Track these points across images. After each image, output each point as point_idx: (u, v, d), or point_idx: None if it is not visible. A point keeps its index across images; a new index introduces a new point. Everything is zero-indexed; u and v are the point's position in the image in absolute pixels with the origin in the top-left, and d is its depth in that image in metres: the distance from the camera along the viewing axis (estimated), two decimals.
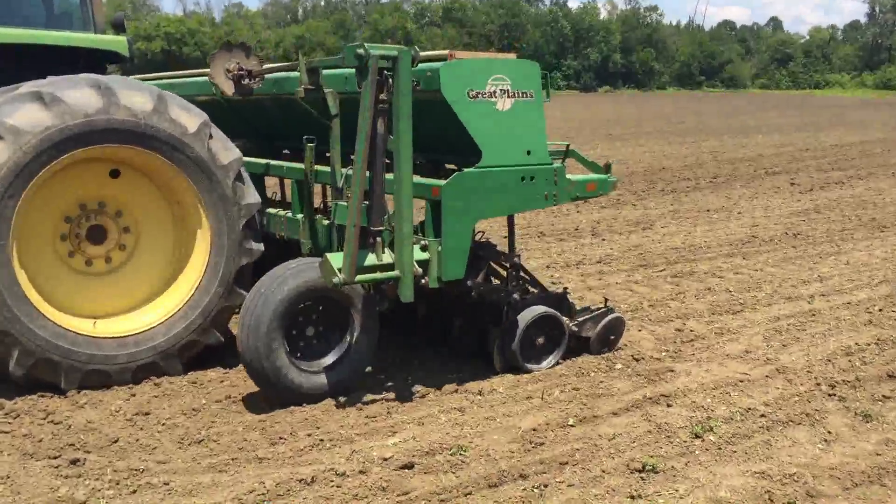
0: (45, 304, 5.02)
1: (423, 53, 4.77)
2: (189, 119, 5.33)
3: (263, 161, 6.45)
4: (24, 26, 6.08)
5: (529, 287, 5.85)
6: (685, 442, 4.41)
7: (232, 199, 5.45)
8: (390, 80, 4.64)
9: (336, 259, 4.71)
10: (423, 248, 4.93)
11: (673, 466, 4.12)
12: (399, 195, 4.75)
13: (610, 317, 5.82)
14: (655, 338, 6.26)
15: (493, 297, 5.45)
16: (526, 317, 5.41)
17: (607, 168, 5.75)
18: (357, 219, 4.67)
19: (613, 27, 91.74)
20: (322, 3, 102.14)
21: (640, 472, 4.05)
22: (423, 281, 4.91)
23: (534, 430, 4.53)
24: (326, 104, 5.21)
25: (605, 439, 4.43)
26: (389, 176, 4.83)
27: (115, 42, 6.41)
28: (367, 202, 4.79)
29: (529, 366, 5.45)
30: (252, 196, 5.60)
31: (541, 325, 5.48)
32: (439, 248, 4.90)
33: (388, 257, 4.82)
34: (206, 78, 6.05)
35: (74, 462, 4.12)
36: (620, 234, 10.64)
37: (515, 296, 5.49)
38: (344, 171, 5.33)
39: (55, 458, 4.20)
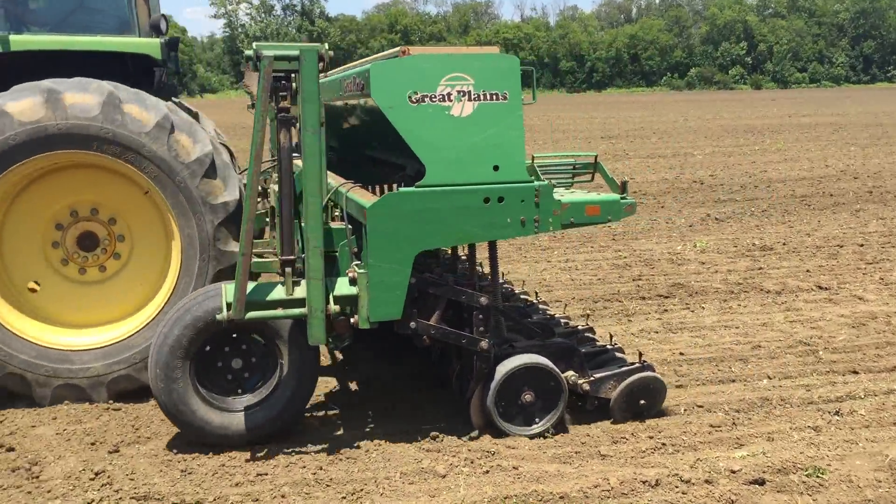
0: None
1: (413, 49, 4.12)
2: (144, 116, 4.98)
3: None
4: (74, 32, 5.80)
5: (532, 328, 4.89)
6: None
7: (200, 198, 5.03)
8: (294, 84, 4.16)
9: (230, 291, 4.20)
10: (352, 282, 4.28)
11: None
12: (307, 220, 4.21)
13: (637, 376, 4.69)
14: None
15: (461, 342, 4.53)
16: (504, 368, 4.47)
17: (623, 187, 4.59)
18: (248, 247, 4.15)
19: None
20: (657, 1, 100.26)
21: None
22: (352, 320, 4.25)
23: None
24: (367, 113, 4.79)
25: None
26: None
27: (144, 45, 5.81)
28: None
29: (512, 428, 4.51)
30: (229, 194, 5.13)
31: (526, 378, 4.50)
32: (367, 282, 4.17)
33: (301, 291, 4.25)
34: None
35: (434, 438, 4.50)
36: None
37: (483, 343, 4.49)
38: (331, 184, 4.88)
39: (416, 433, 4.61)
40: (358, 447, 4.40)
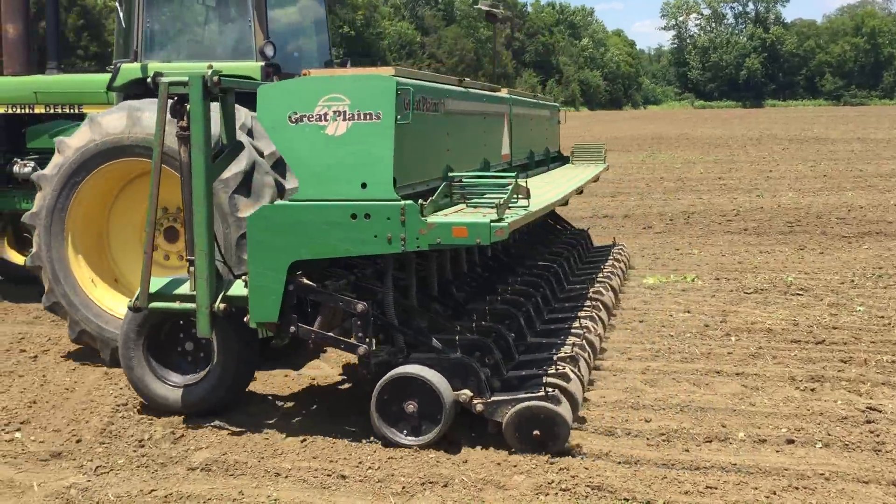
0: None
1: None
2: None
3: None
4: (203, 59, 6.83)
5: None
6: None
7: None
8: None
9: (152, 283, 4.94)
10: (246, 285, 4.62)
11: None
12: (194, 227, 4.75)
13: (527, 405, 4.41)
14: None
15: (339, 347, 4.77)
16: (385, 376, 4.56)
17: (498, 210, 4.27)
18: (150, 246, 4.91)
19: None
20: None
21: None
22: (245, 319, 4.65)
23: None
24: None
25: None
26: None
27: (245, 68, 6.75)
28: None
29: (396, 437, 4.54)
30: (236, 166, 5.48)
31: (410, 389, 4.51)
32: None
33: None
34: None
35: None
36: None
37: (361, 349, 4.57)
38: None
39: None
40: (807, 477, 4.16)
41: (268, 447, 4.60)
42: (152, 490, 4.09)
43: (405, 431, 4.58)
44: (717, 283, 8.72)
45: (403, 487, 4.09)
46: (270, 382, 5.83)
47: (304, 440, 4.67)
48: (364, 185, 4.31)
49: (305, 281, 4.65)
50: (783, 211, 13.79)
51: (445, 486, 4.11)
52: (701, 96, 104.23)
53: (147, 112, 5.91)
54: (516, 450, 4.46)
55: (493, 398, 4.56)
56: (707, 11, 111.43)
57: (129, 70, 7.08)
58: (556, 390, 4.56)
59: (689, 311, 7.52)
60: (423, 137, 4.88)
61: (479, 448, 4.55)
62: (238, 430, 4.84)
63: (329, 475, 4.22)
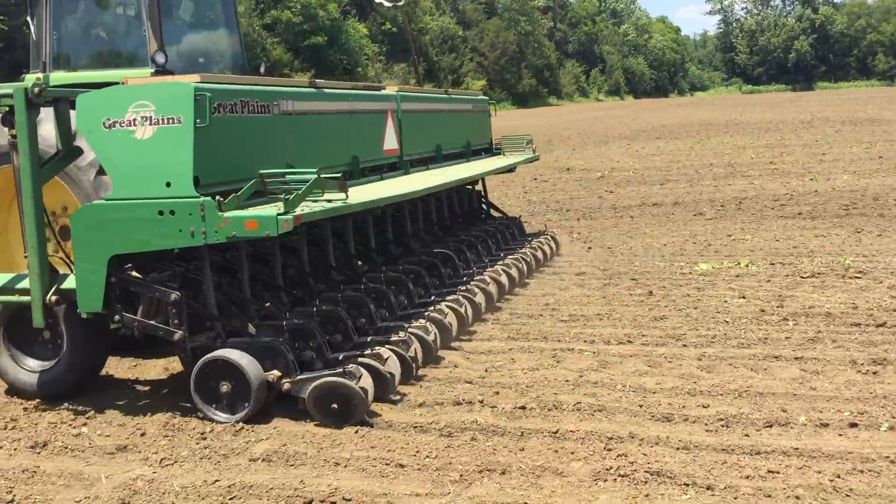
0: None
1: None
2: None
3: None
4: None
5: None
6: None
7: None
8: None
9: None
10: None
11: None
12: (26, 226, 5.10)
13: (324, 381, 4.80)
14: None
15: (158, 334, 5.09)
16: (200, 360, 4.96)
17: (289, 203, 4.73)
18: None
19: None
20: None
21: None
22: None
23: None
24: None
25: None
26: None
27: (138, 75, 6.66)
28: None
29: (214, 414, 4.97)
30: None
31: (223, 371, 4.91)
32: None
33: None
34: None
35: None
36: None
37: (177, 335, 4.97)
38: None
39: None
40: (872, 460, 4.07)
41: (326, 438, 4.65)
42: (216, 480, 4.17)
43: (221, 409, 4.98)
44: (772, 268, 8.57)
45: (461, 475, 4.11)
46: None
47: (359, 431, 4.72)
48: (168, 184, 4.70)
49: (128, 274, 5.16)
50: (838, 194, 13.48)
51: (503, 473, 4.12)
52: (749, 81, 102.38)
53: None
54: (319, 422, 4.83)
55: (298, 377, 4.93)
56: None
57: (32, 80, 7.41)
58: (355, 367, 4.95)
59: (744, 297, 7.41)
60: (234, 138, 5.14)
61: (536, 436, 4.55)
62: (295, 422, 4.92)
63: (387, 464, 4.26)
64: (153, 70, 7.06)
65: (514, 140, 10.73)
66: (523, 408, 4.95)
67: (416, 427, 4.75)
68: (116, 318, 5.07)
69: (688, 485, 3.92)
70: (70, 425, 5.04)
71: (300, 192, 4.82)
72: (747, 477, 3.97)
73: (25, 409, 5.42)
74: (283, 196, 4.79)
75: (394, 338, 5.64)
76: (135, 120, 4.72)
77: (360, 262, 7.26)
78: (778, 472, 3.99)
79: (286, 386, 4.92)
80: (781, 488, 3.84)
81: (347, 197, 5.18)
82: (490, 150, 10.51)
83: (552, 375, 5.53)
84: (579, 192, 15.76)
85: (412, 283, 6.81)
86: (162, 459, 4.47)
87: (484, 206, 10.44)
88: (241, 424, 4.87)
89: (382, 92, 7.58)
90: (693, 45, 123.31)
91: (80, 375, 5.56)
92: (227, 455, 4.49)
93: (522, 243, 9.35)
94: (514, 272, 8.04)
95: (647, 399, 5.03)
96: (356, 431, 4.71)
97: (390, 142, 7.48)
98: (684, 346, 6.11)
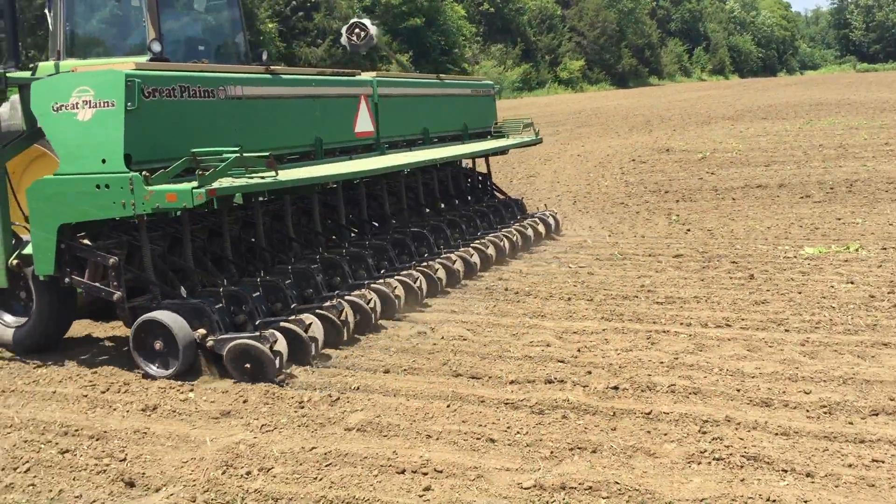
0: None
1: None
2: None
3: None
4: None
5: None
6: None
7: None
8: None
9: None
10: None
11: None
12: None
13: (237, 343, 5.31)
14: None
15: (100, 295, 5.64)
16: (136, 320, 5.46)
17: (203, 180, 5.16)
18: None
19: None
20: None
21: None
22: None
23: None
24: None
25: None
26: None
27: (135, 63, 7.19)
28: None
29: (150, 369, 5.49)
30: None
31: (156, 330, 5.41)
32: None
33: None
34: None
35: None
36: None
37: (115, 296, 5.53)
38: None
39: None
40: None
41: (418, 411, 4.73)
42: (313, 447, 4.31)
43: (157, 365, 5.49)
44: (883, 254, 8.19)
45: (552, 452, 4.12)
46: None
47: (451, 405, 4.78)
48: (104, 161, 5.24)
49: (78, 241, 5.72)
50: None
51: (594, 451, 4.11)
52: (864, 59, 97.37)
53: None
54: (235, 379, 5.31)
55: (220, 336, 5.39)
56: None
57: (44, 68, 7.83)
58: (270, 332, 5.33)
59: (852, 282, 7.12)
60: (168, 120, 5.57)
61: (628, 417, 4.51)
62: (388, 396, 5.02)
63: (478, 438, 4.31)
64: (149, 58, 7.47)
65: (513, 124, 10.93)
66: (616, 388, 4.91)
67: (507, 403, 4.78)
68: (66, 280, 5.66)
69: (786, 471, 3.82)
70: (178, 391, 5.29)
71: (217, 168, 5.21)
72: (850, 465, 3.84)
73: (136, 375, 5.72)
74: (199, 174, 5.17)
75: (326, 304, 6.05)
76: (77, 104, 5.28)
77: (334, 237, 7.75)
78: (883, 462, 3.85)
79: (210, 343, 5.40)
80: (886, 478, 3.70)
81: (277, 174, 5.58)
82: (486, 133, 10.75)
83: (646, 357, 5.46)
84: (679, 173, 15.38)
85: (371, 259, 7.20)
86: (263, 425, 4.64)
87: (489, 188, 10.75)
88: (336, 395, 5.01)
89: (357, 78, 8.01)
90: (804, 22, 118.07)
91: (47, 334, 6.20)
92: (324, 424, 4.63)
93: (512, 223, 9.61)
94: (490, 251, 8.37)
95: (745, 383, 4.92)
96: (448, 406, 4.78)
97: (364, 125, 7.89)
98: (786, 331, 5.93)
